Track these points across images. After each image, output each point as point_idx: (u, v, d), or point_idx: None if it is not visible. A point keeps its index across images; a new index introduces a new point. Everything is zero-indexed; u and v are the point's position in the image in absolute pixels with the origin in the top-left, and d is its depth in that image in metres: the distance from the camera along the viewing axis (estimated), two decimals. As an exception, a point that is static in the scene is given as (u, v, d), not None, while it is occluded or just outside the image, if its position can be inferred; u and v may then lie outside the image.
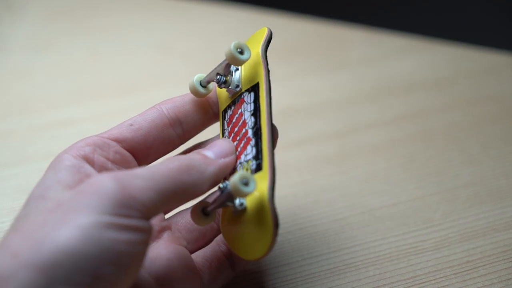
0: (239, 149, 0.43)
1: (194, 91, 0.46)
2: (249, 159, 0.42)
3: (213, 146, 0.43)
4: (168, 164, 0.39)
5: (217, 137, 0.47)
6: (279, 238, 0.52)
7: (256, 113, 0.43)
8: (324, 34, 0.77)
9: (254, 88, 0.44)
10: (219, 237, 0.46)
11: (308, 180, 0.58)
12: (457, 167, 0.59)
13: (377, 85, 0.70)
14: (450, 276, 0.49)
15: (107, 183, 0.35)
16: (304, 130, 0.63)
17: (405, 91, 0.69)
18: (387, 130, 0.64)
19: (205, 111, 0.47)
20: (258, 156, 0.42)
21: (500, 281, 0.49)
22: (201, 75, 0.46)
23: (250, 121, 0.43)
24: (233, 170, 0.43)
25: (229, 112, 0.46)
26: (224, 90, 0.47)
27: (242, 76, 0.46)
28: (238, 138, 0.44)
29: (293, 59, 0.72)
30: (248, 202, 0.41)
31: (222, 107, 0.47)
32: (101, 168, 0.41)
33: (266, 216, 0.39)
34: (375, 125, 0.64)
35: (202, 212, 0.42)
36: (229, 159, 0.42)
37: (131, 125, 0.44)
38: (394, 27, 0.79)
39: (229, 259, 0.45)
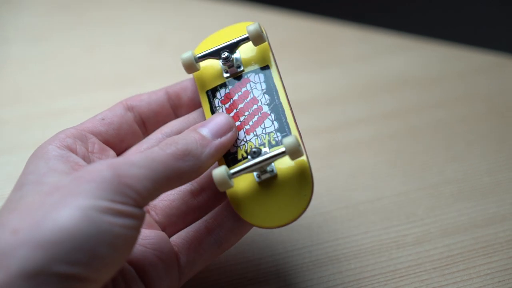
0: (250, 123, 0.44)
1: (189, 65, 0.46)
2: (271, 132, 0.43)
3: (210, 122, 0.43)
4: (164, 150, 0.39)
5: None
6: (263, 230, 0.53)
7: (271, 92, 0.45)
8: (316, 31, 0.78)
9: (264, 70, 0.46)
10: (208, 216, 0.45)
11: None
12: (442, 163, 0.60)
13: (367, 82, 0.70)
14: (430, 270, 0.50)
15: (104, 171, 0.37)
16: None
17: (395, 88, 0.69)
18: (376, 127, 0.64)
19: (167, 113, 0.48)
20: (284, 129, 0.43)
21: (478, 276, 0.50)
22: (192, 52, 0.46)
23: (264, 98, 0.45)
24: (237, 143, 0.44)
25: (223, 91, 0.46)
26: (209, 71, 0.47)
27: (242, 58, 0.47)
28: (246, 113, 0.45)
29: (285, 55, 0.72)
30: (280, 168, 0.43)
31: (208, 86, 0.47)
32: (84, 158, 0.42)
33: (307, 178, 0.42)
34: (363, 121, 0.65)
35: (228, 176, 0.41)
36: (226, 138, 0.42)
37: (102, 119, 0.45)
38: (386, 25, 0.79)
39: (216, 238, 0.44)
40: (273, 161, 0.41)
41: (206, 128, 0.42)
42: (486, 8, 1.20)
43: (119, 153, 0.46)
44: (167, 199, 0.46)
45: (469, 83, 0.70)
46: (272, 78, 0.46)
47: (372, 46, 0.76)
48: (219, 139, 0.42)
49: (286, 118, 0.44)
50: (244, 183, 0.43)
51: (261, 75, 0.46)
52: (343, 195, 0.57)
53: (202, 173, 0.41)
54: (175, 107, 0.48)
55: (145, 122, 0.47)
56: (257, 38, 0.45)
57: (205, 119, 0.46)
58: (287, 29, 0.77)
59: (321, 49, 0.76)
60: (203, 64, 0.47)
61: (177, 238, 0.45)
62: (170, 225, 0.46)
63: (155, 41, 0.76)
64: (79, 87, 0.70)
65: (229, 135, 0.43)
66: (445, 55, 0.74)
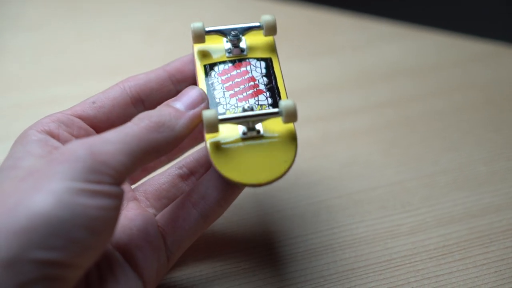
0: (244, 94, 0.45)
1: (199, 34, 0.47)
2: (263, 104, 0.44)
3: (182, 95, 0.43)
4: (138, 123, 0.39)
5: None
6: (257, 219, 0.53)
7: (269, 77, 0.46)
8: (310, 19, 0.77)
9: (266, 60, 0.47)
10: (191, 190, 0.44)
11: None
12: (437, 153, 0.59)
13: (362, 71, 0.70)
14: (426, 260, 0.50)
15: (78, 151, 0.36)
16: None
17: (390, 77, 0.69)
18: (370, 116, 0.64)
19: (167, 89, 0.47)
20: (277, 105, 0.44)
21: (474, 266, 0.49)
22: (202, 23, 0.47)
23: (262, 80, 0.46)
24: (227, 107, 0.44)
25: (223, 66, 0.47)
26: (212, 47, 0.48)
27: (247, 43, 0.48)
28: (242, 87, 0.45)
29: (278, 43, 0.71)
30: (267, 129, 0.44)
31: (208, 61, 0.47)
32: (66, 141, 0.41)
33: (291, 145, 0.43)
34: (358, 111, 0.65)
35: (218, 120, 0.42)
36: (199, 109, 0.42)
37: (93, 102, 0.45)
38: (380, 14, 0.79)
39: (200, 211, 0.44)
40: (264, 119, 0.42)
41: (179, 102, 0.42)
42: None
43: None
44: (157, 183, 0.47)
45: (464, 72, 0.69)
46: (272, 67, 0.47)
47: (367, 35, 0.75)
48: (192, 110, 0.42)
49: (280, 97, 0.45)
50: (227, 135, 0.43)
51: (263, 63, 0.47)
52: (338, 185, 0.56)
53: (178, 144, 0.41)
54: (176, 82, 0.47)
55: (144, 101, 0.46)
56: (271, 28, 0.47)
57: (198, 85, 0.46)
58: (280, 17, 0.76)
59: (315, 37, 0.75)
60: (207, 39, 0.48)
61: (161, 217, 0.44)
62: (162, 207, 0.46)
63: (148, 31, 0.76)
64: (71, 76, 0.69)
65: (202, 105, 0.43)
66: (441, 44, 0.73)
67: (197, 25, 0.46)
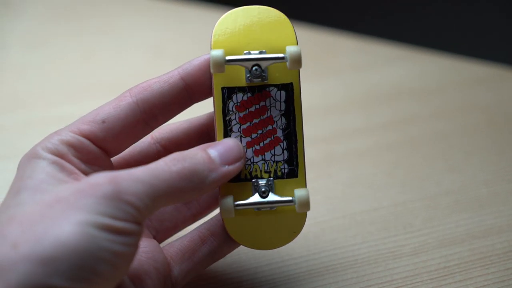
0: (261, 144, 0.44)
1: (218, 65, 0.42)
2: (279, 161, 0.44)
3: (221, 144, 0.42)
4: (170, 167, 0.38)
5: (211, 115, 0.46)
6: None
7: (289, 115, 0.44)
8: (314, 41, 0.78)
9: (287, 88, 0.44)
10: (203, 226, 0.45)
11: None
12: (439, 174, 0.60)
13: (365, 92, 0.71)
14: (427, 281, 0.50)
15: (105, 186, 0.36)
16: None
17: (393, 98, 0.70)
18: (374, 137, 0.64)
19: (183, 102, 0.44)
20: (292, 162, 0.44)
21: (475, 287, 0.49)
22: (223, 51, 0.42)
23: (281, 121, 0.44)
24: (246, 165, 0.44)
25: (242, 97, 0.44)
26: (230, 68, 0.43)
27: (268, 67, 0.44)
28: (259, 132, 0.44)
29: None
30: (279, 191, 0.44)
31: (226, 84, 0.44)
32: (76, 166, 0.41)
33: (301, 219, 0.44)
34: (362, 131, 0.65)
35: (234, 207, 0.42)
36: (234, 168, 0.41)
37: (103, 122, 0.42)
38: (384, 35, 0.79)
39: (209, 248, 0.44)
40: (278, 206, 0.43)
41: (216, 151, 0.41)
42: (484, 20, 1.20)
43: (114, 154, 0.44)
44: None
45: (467, 94, 0.70)
46: (293, 100, 0.44)
47: (371, 56, 0.76)
48: (227, 166, 0.41)
49: (297, 150, 0.44)
50: (241, 195, 0.44)
51: (283, 93, 0.44)
52: (341, 205, 0.57)
53: (201, 195, 0.41)
54: (192, 93, 0.44)
55: (157, 116, 0.43)
56: (296, 63, 0.42)
57: (215, 118, 0.44)
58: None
59: (319, 58, 0.76)
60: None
61: (171, 248, 0.44)
62: (163, 231, 0.47)
63: (154, 49, 0.76)
64: (78, 94, 0.70)
65: (237, 164, 0.42)
66: (444, 66, 0.74)
67: (217, 53, 0.42)
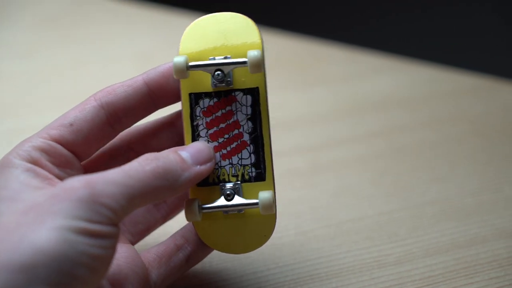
0: (228, 148, 0.44)
1: (180, 71, 0.43)
2: (247, 165, 0.44)
3: (191, 147, 0.43)
4: (144, 166, 0.39)
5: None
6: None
7: (255, 119, 0.44)
8: (303, 50, 0.78)
9: (252, 92, 0.45)
10: (178, 233, 0.46)
11: (277, 192, 0.59)
12: (424, 184, 0.60)
13: (353, 102, 0.71)
14: (411, 290, 0.50)
15: (80, 190, 0.36)
16: (277, 143, 0.64)
17: (381, 108, 0.70)
18: (360, 146, 0.65)
19: (147, 107, 0.45)
20: (259, 166, 0.44)
21: (460, 297, 0.50)
22: (186, 58, 0.43)
23: (247, 125, 0.44)
24: (214, 169, 0.44)
25: (208, 102, 0.44)
26: (196, 74, 0.44)
27: (234, 72, 0.45)
28: (226, 136, 0.44)
29: (272, 73, 0.72)
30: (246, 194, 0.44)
31: (193, 89, 0.45)
32: (50, 171, 0.41)
33: (271, 222, 0.45)
34: (348, 141, 0.65)
35: (198, 208, 0.43)
36: (206, 168, 0.42)
37: (71, 125, 0.43)
38: (373, 46, 0.80)
39: (184, 253, 0.45)
40: (244, 208, 0.44)
41: (188, 153, 0.42)
42: (472, 31, 1.21)
43: (85, 157, 0.44)
44: None
45: (454, 104, 0.70)
46: (259, 104, 0.45)
47: (359, 66, 0.76)
48: (198, 166, 0.42)
49: (264, 154, 0.44)
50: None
51: (249, 97, 0.44)
52: (326, 214, 0.57)
53: (174, 196, 0.41)
54: (156, 99, 0.45)
55: (122, 118, 0.44)
56: (256, 67, 0.43)
57: (183, 123, 0.45)
58: (274, 47, 0.78)
59: (307, 68, 0.76)
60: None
61: (147, 253, 0.45)
62: (137, 233, 0.47)
63: (142, 57, 0.76)
64: (67, 103, 0.69)
65: (208, 165, 0.43)
66: (431, 77, 0.74)
67: (179, 60, 0.43)
